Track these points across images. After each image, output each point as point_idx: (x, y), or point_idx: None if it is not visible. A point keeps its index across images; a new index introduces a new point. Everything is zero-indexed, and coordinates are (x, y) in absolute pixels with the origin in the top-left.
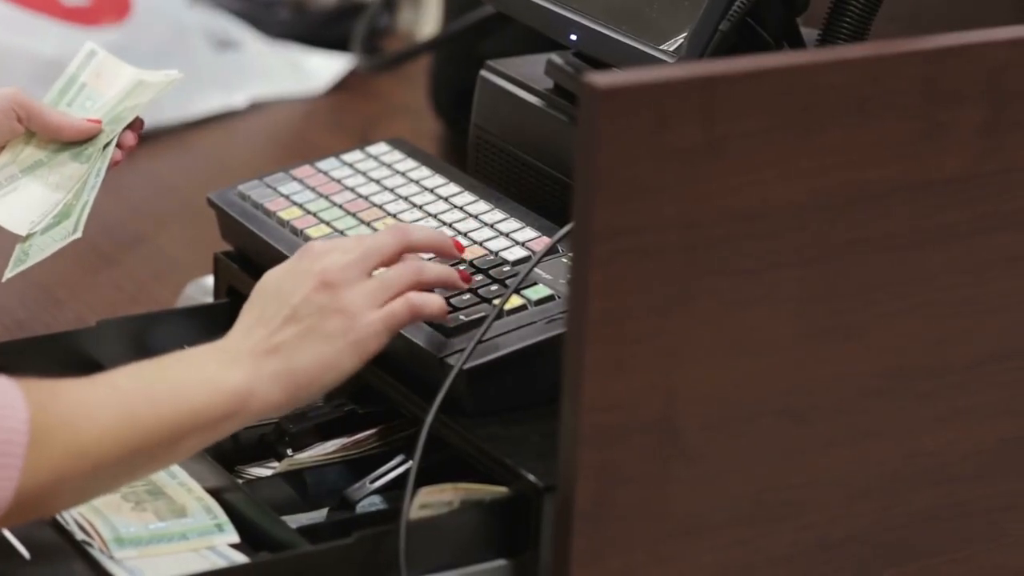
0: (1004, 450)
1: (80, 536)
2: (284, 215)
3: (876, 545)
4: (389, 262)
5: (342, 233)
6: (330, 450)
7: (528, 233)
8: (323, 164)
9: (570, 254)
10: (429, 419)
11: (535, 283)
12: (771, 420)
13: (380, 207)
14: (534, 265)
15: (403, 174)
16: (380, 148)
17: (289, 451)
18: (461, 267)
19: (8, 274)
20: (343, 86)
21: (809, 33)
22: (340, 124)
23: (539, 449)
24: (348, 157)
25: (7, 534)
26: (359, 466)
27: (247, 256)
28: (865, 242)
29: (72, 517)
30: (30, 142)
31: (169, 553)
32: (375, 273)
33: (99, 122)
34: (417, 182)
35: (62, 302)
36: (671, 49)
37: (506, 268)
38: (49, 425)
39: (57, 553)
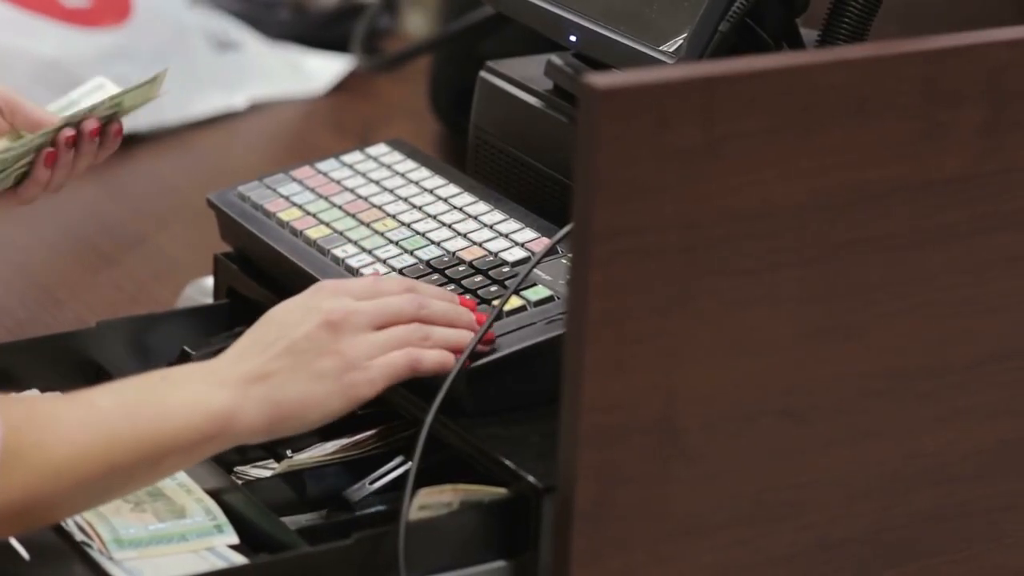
0: (1004, 450)
1: (79, 537)
2: (284, 216)
3: (876, 545)
4: (399, 324)
5: (341, 234)
6: (329, 451)
7: (527, 234)
8: (323, 165)
9: (570, 255)
10: (428, 420)
11: (535, 284)
12: (771, 420)
13: (380, 208)
14: (533, 266)
15: (403, 175)
16: (380, 149)
17: (288, 452)
18: (460, 268)
19: None
20: (343, 87)
21: (808, 34)
22: (340, 125)
23: (539, 450)
24: (348, 158)
25: None
26: (358, 467)
27: (247, 257)
28: (865, 242)
29: (72, 518)
30: (16, 138)
31: (168, 554)
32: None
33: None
34: (417, 183)
35: (62, 302)
36: (671, 50)
37: (505, 269)
38: (22, 446)
39: (56, 554)
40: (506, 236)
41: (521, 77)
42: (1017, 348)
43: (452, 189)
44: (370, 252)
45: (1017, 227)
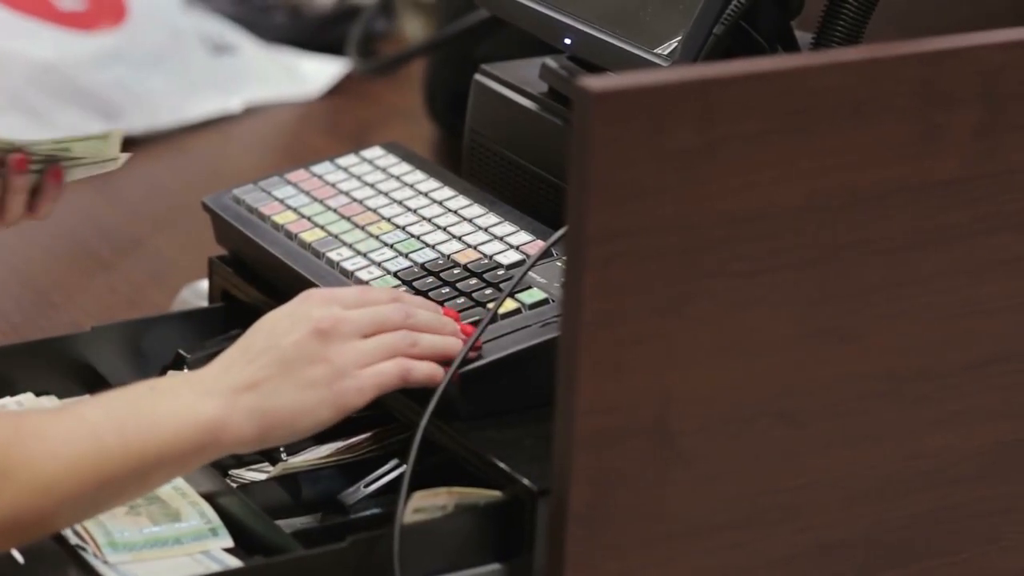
0: (1003, 453)
1: (74, 540)
2: (279, 219)
3: (874, 547)
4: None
5: (336, 237)
6: (324, 454)
7: (522, 237)
8: (318, 168)
9: (564, 258)
10: (423, 423)
11: (529, 287)
12: (768, 422)
13: (374, 211)
14: (528, 269)
15: (398, 178)
16: (375, 152)
17: (283, 455)
18: (455, 271)
19: None
20: (338, 90)
21: (803, 36)
22: (335, 128)
23: (533, 452)
24: (343, 161)
25: None
26: (353, 470)
27: (242, 260)
28: (863, 244)
29: None
30: None
31: (163, 557)
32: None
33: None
34: (412, 186)
35: (57, 306)
36: (665, 53)
37: (500, 272)
38: (11, 462)
39: (51, 558)
40: (501, 239)
41: (516, 80)
42: (1016, 350)
43: (447, 192)
44: (365, 255)
45: (1015, 228)
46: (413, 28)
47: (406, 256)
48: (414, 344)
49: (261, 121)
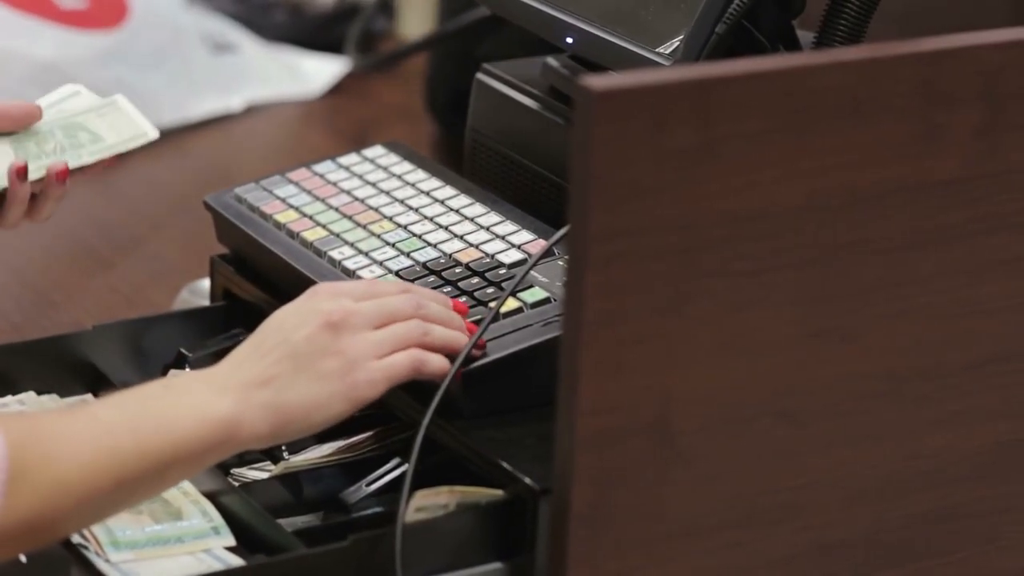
0: (1002, 452)
1: (76, 539)
2: (280, 218)
3: (874, 547)
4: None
5: (338, 236)
6: (326, 453)
7: (524, 236)
8: (319, 167)
9: (566, 257)
10: (425, 422)
11: (531, 286)
12: (769, 422)
13: (376, 210)
14: (530, 268)
15: (399, 177)
16: (376, 151)
17: (285, 454)
18: (457, 270)
19: None
20: (339, 89)
21: (805, 36)
22: (336, 127)
23: (535, 452)
24: (344, 160)
25: None
26: (355, 469)
27: (243, 259)
28: (863, 243)
29: None
30: None
31: (165, 556)
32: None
33: (38, 108)
34: (413, 185)
35: (58, 305)
36: (667, 52)
37: (502, 271)
38: (28, 464)
39: (53, 556)
40: (502, 238)
41: (517, 79)
42: (1015, 350)
43: (449, 191)
44: (366, 254)
45: (1015, 228)
46: (413, 27)
47: (408, 255)
48: (426, 333)
49: (262, 120)
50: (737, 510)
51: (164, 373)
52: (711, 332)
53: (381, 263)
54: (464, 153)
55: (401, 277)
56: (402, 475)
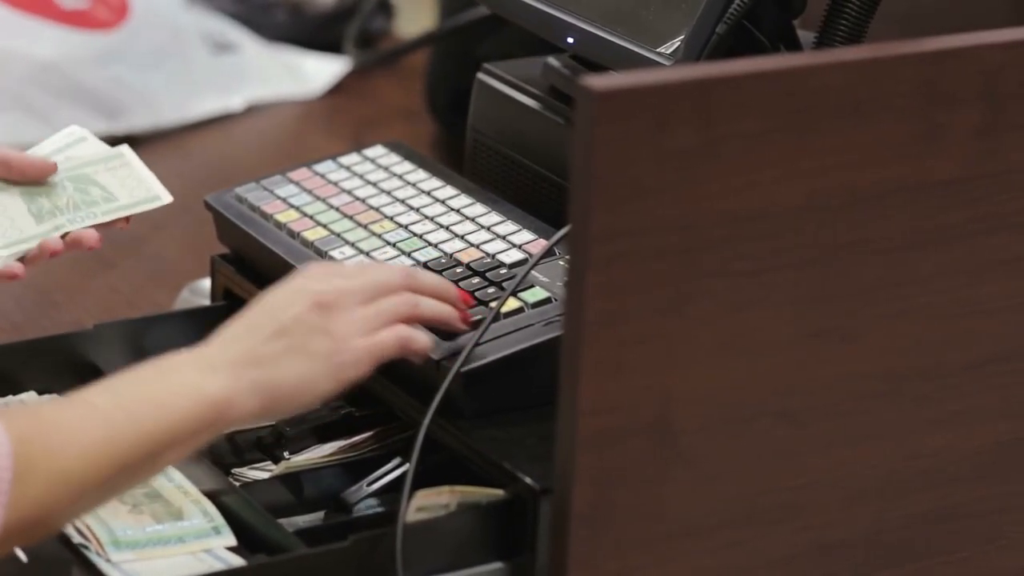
0: (1002, 452)
1: (77, 539)
2: (281, 218)
3: (873, 547)
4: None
5: (339, 236)
6: (327, 453)
7: (525, 236)
8: (320, 167)
9: (567, 256)
10: (426, 422)
11: (532, 286)
12: (769, 422)
13: (377, 210)
14: (531, 268)
15: (400, 177)
16: (377, 151)
17: (286, 454)
18: (458, 270)
19: None
20: (340, 88)
21: (806, 36)
22: (337, 127)
23: (536, 452)
24: (345, 160)
25: None
26: (356, 469)
27: (244, 259)
28: (863, 243)
29: None
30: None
31: (166, 556)
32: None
33: (53, 165)
34: (414, 185)
35: (59, 305)
36: (668, 52)
37: (503, 271)
38: (32, 456)
39: (54, 556)
40: (503, 238)
41: (518, 79)
42: (1016, 350)
43: (449, 191)
44: (367, 254)
45: (1015, 228)
46: (412, 27)
47: (408, 255)
48: (416, 306)
49: (263, 120)
50: (737, 510)
51: None
52: (711, 332)
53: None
54: (465, 153)
55: None
56: (403, 475)
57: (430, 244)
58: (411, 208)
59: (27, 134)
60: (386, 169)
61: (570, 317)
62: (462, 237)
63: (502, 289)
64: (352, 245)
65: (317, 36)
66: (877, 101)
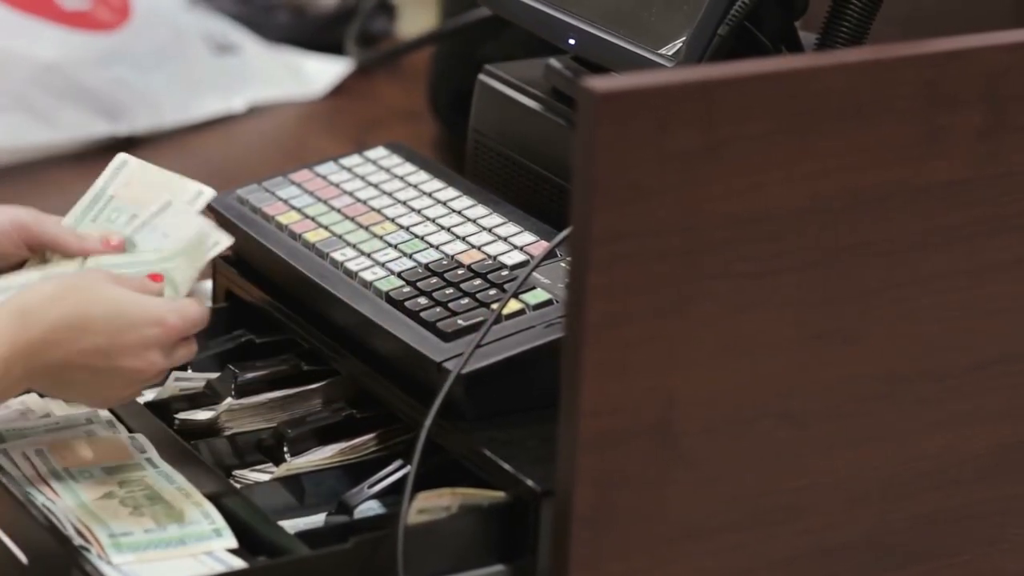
0: (1004, 454)
1: (78, 541)
2: (282, 219)
3: (875, 549)
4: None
5: (340, 237)
6: (328, 455)
7: (526, 237)
8: (321, 168)
9: (568, 258)
10: (427, 424)
11: (533, 287)
12: (770, 424)
13: (378, 211)
14: (532, 269)
15: (401, 178)
16: (378, 152)
17: (287, 456)
18: (459, 272)
19: None
20: (342, 90)
21: (807, 37)
22: (339, 128)
23: (537, 454)
24: (346, 161)
25: (5, 539)
26: (358, 471)
27: (245, 260)
28: (865, 245)
29: (70, 522)
30: (42, 262)
31: (167, 558)
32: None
33: (121, 243)
34: (415, 186)
35: None
36: (670, 53)
37: (504, 272)
38: None
39: (55, 558)
40: (505, 239)
41: (520, 80)
42: (1018, 351)
43: (451, 192)
44: (368, 255)
45: (1017, 230)
46: (414, 28)
47: (410, 256)
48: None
49: (264, 121)
50: (739, 512)
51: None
52: (713, 334)
53: (383, 264)
54: (466, 154)
55: (403, 278)
56: (404, 477)
57: (431, 246)
58: (412, 210)
59: (29, 135)
60: (387, 170)
61: (571, 319)
62: (463, 239)
63: (503, 291)
64: (353, 247)
65: (319, 37)
66: (879, 103)
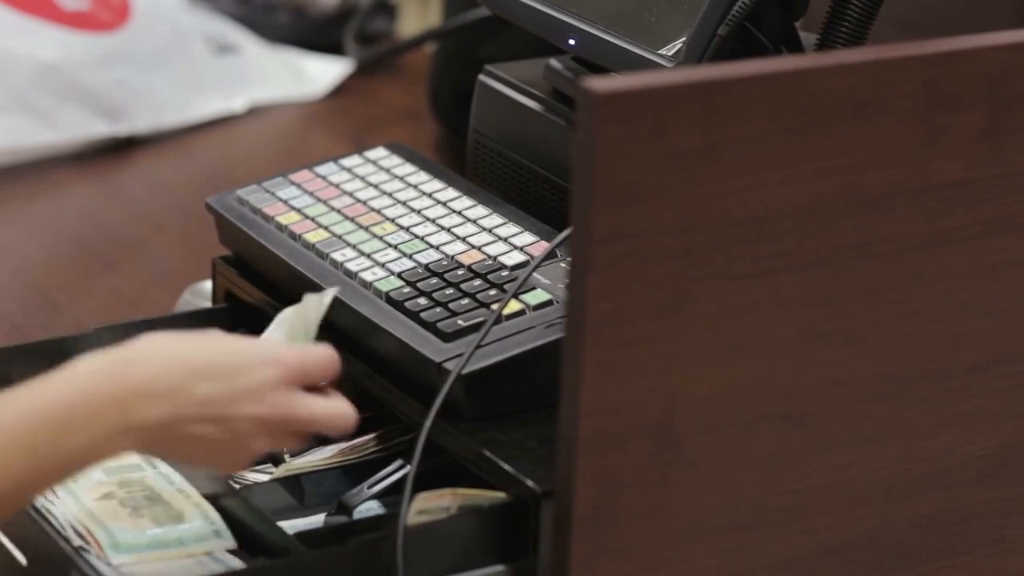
0: (1004, 455)
1: (77, 542)
2: (282, 220)
3: (876, 550)
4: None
5: (340, 238)
6: (327, 455)
7: (526, 238)
8: (321, 168)
9: (568, 259)
10: (427, 424)
11: (533, 288)
12: (770, 424)
13: (378, 212)
14: (532, 270)
15: (401, 178)
16: (378, 152)
17: (286, 456)
18: (459, 272)
19: None
20: (342, 90)
21: (807, 37)
22: (339, 128)
23: (538, 454)
24: (346, 161)
25: (4, 540)
26: (357, 471)
27: (245, 261)
28: (865, 246)
29: (69, 523)
30: None
31: (166, 559)
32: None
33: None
34: (415, 186)
35: (60, 307)
36: (670, 54)
37: (504, 273)
38: None
39: (54, 559)
40: (505, 240)
41: (520, 80)
42: (1018, 352)
43: (451, 192)
44: (368, 256)
45: (1017, 231)
46: (414, 28)
47: (410, 257)
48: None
49: (265, 121)
50: (740, 512)
51: None
52: (714, 334)
53: (383, 265)
54: (466, 155)
55: (403, 279)
56: (404, 477)
57: (431, 246)
58: (412, 210)
59: (29, 136)
60: (387, 171)
61: (572, 319)
62: (463, 239)
63: (503, 291)
64: (353, 247)
65: (319, 37)
66: (879, 103)
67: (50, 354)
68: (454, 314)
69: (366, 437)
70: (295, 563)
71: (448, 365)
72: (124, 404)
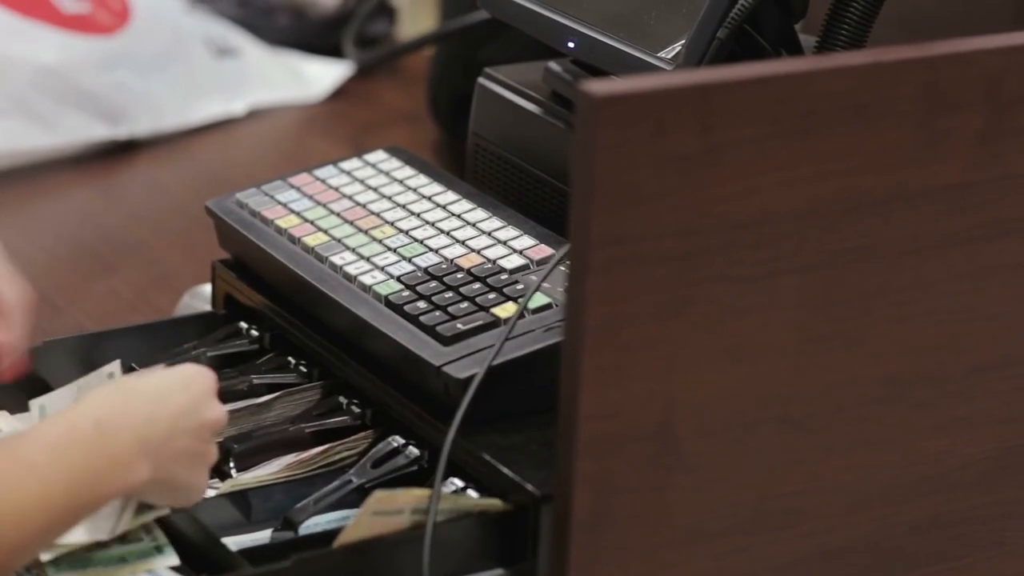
0: (1004, 458)
1: None
2: (282, 223)
3: (876, 553)
4: None
5: (339, 241)
6: (275, 470)
7: (526, 241)
8: (321, 172)
9: (567, 262)
10: (450, 438)
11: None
12: (770, 427)
13: (378, 215)
14: (541, 281)
15: (401, 182)
16: (378, 155)
17: (233, 471)
18: (459, 276)
19: None
20: (342, 93)
21: (807, 40)
22: (338, 131)
23: (537, 458)
24: (346, 165)
25: None
26: (306, 485)
27: (245, 264)
28: (865, 249)
29: None
30: None
31: None
32: None
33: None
34: (415, 190)
35: (60, 309)
36: (669, 57)
37: (504, 276)
38: None
39: None
40: (504, 243)
41: (520, 83)
42: (1016, 355)
43: (450, 196)
44: (368, 259)
45: (1017, 233)
46: (414, 31)
47: (409, 260)
48: None
49: (264, 124)
50: (740, 516)
51: None
52: (713, 337)
53: (382, 268)
54: (466, 157)
55: (402, 282)
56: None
57: (431, 249)
58: (412, 213)
59: (28, 139)
60: (387, 174)
61: (571, 322)
62: (463, 242)
63: (503, 294)
64: (353, 251)
65: (319, 40)
66: (879, 106)
67: (50, 355)
68: (453, 318)
69: (314, 451)
70: None
71: (448, 369)
72: (148, 430)
